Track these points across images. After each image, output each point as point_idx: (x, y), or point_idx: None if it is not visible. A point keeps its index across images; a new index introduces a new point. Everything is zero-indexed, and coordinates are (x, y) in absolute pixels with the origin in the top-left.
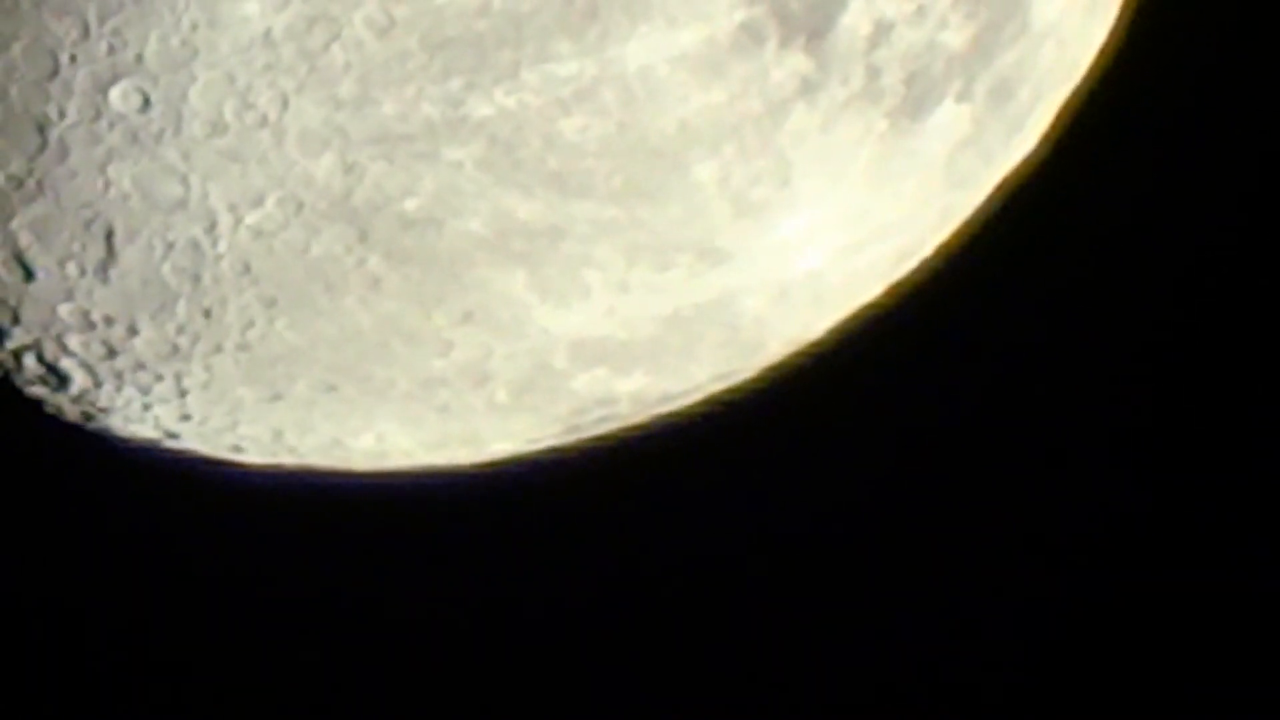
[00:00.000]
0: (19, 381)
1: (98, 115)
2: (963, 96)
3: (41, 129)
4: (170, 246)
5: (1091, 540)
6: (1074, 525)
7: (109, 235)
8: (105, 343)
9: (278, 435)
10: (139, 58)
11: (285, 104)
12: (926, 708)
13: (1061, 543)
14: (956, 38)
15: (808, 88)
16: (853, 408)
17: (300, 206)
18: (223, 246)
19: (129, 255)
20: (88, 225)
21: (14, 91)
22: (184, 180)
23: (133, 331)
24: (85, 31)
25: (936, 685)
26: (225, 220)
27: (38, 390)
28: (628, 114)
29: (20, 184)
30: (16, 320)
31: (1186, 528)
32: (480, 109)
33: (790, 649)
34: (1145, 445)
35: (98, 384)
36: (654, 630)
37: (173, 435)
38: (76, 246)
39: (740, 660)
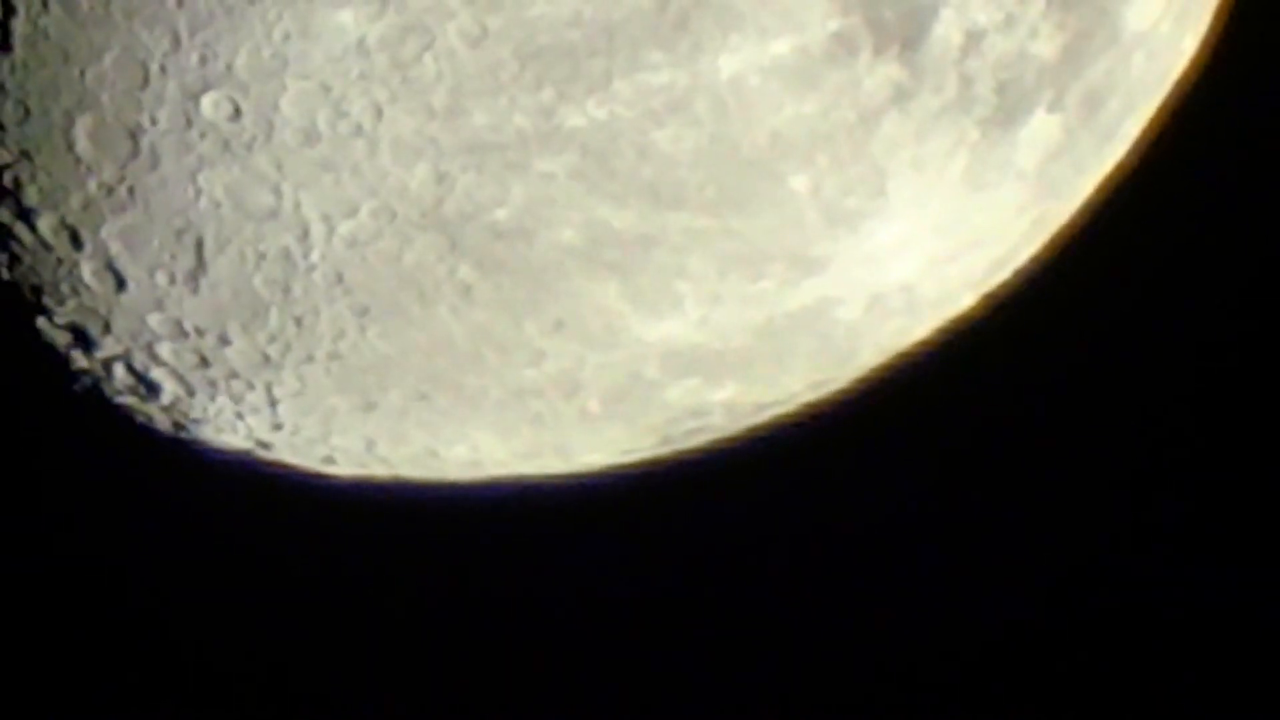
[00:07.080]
0: (110, 391)
1: (189, 124)
2: (1054, 106)
3: (132, 137)
4: (262, 256)
5: (1208, 554)
6: (1184, 536)
7: (199, 244)
8: (197, 352)
9: (370, 445)
10: (229, 67)
11: (379, 114)
12: None
13: (1179, 558)
14: (1047, 47)
15: (901, 96)
16: (946, 417)
17: (393, 216)
18: (315, 256)
19: (220, 265)
20: (178, 234)
21: (105, 100)
22: (276, 189)
23: (224, 341)
24: (176, 42)
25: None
26: (318, 230)
27: (128, 400)
28: (720, 124)
29: (111, 192)
30: (107, 329)
31: None
32: (572, 119)
33: (890, 659)
34: (1242, 448)
35: (189, 393)
36: (749, 638)
37: (265, 445)
38: (167, 256)
39: (835, 667)
